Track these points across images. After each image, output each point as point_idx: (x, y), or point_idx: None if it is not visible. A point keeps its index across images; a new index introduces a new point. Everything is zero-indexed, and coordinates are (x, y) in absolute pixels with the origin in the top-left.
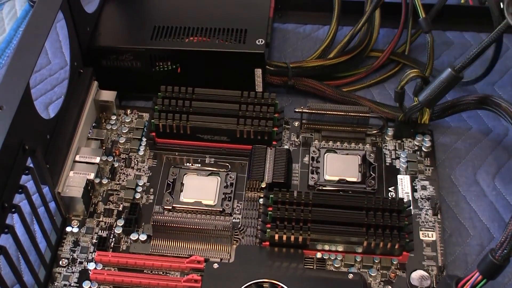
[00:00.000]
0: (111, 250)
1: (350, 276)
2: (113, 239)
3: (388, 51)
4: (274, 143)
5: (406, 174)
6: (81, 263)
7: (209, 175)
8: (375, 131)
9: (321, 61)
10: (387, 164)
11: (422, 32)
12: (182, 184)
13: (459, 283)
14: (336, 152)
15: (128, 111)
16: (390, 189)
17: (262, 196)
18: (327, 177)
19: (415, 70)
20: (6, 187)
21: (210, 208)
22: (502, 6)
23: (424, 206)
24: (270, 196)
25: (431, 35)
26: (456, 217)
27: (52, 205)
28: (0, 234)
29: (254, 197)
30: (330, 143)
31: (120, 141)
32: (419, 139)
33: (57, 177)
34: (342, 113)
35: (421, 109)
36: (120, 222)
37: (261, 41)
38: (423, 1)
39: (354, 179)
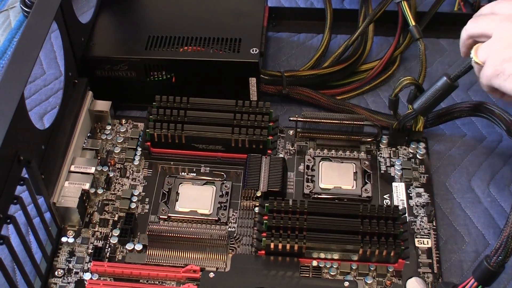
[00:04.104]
0: (106, 260)
1: (346, 284)
2: (109, 249)
3: (383, 62)
4: (269, 152)
5: (401, 182)
6: (76, 273)
7: (204, 184)
8: (369, 139)
9: (315, 70)
10: (382, 171)
11: (413, 41)
12: (178, 194)
13: None
14: (331, 160)
15: (123, 121)
16: (385, 196)
17: (258, 205)
18: (322, 185)
19: (409, 77)
20: (1, 198)
21: (205, 218)
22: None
23: (419, 213)
24: (266, 205)
25: (423, 42)
26: (451, 224)
27: (47, 215)
28: None
29: (249, 206)
30: (325, 151)
31: (115, 151)
32: (413, 146)
33: (52, 187)
34: (336, 122)
35: (416, 117)
36: (116, 232)
37: (255, 50)
38: (418, 9)
39: (349, 187)
